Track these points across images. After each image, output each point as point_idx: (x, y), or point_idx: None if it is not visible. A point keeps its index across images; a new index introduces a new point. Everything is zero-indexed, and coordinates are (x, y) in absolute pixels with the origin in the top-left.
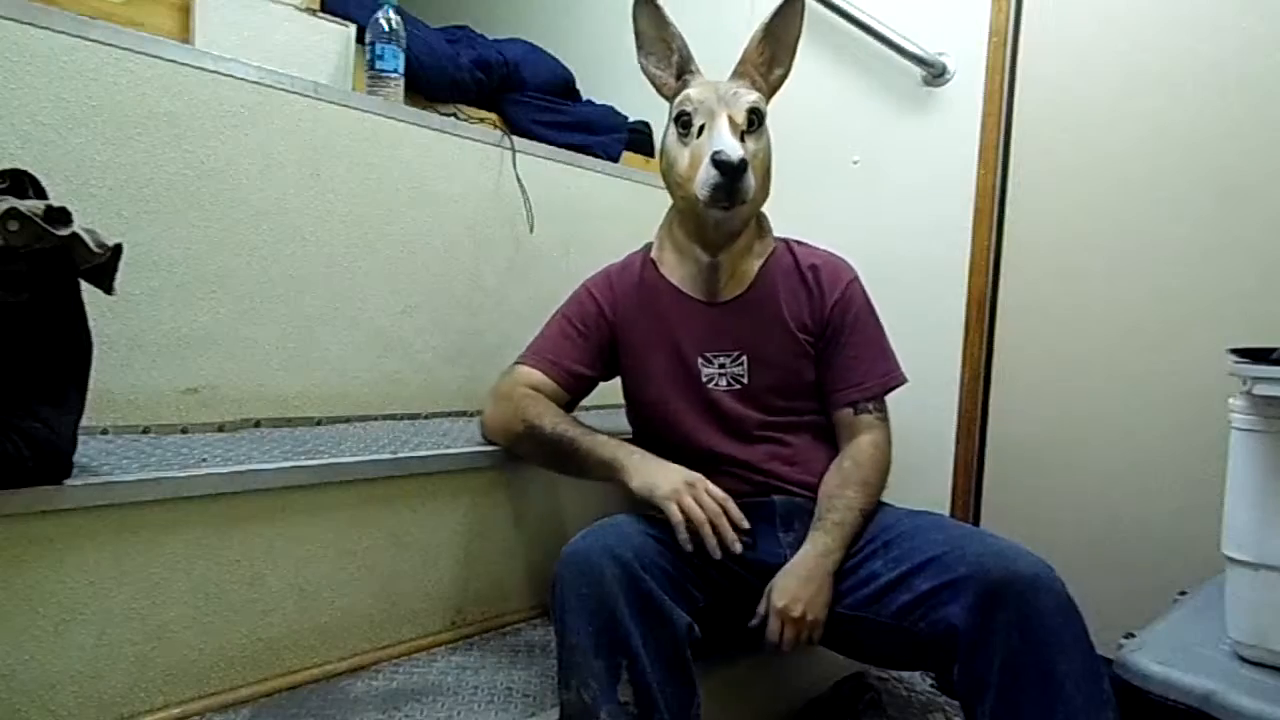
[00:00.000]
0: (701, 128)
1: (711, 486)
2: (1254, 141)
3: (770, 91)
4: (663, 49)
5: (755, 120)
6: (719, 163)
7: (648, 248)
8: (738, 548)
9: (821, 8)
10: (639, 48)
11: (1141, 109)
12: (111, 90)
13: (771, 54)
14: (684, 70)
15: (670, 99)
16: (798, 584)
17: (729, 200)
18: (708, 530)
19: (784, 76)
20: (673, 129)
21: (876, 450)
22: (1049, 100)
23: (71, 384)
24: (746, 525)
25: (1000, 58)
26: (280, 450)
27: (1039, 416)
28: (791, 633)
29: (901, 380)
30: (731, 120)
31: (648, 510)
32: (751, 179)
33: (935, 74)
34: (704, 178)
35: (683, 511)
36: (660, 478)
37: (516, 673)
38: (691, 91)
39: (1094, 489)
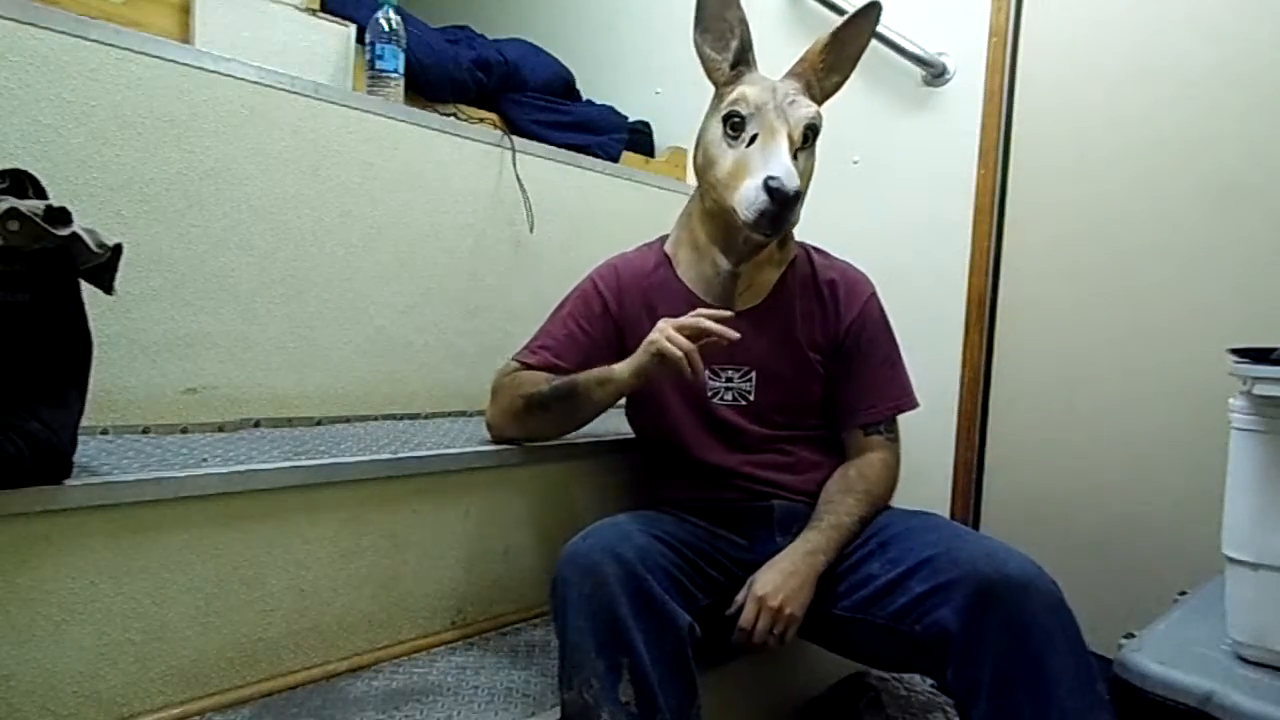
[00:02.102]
0: (754, 137)
1: (680, 320)
2: (1254, 141)
3: (824, 96)
4: (723, 29)
5: (810, 136)
6: (773, 190)
7: (663, 240)
8: (733, 334)
9: (821, 7)
10: (697, 22)
11: (1141, 109)
12: (111, 90)
13: (833, 61)
14: (740, 59)
15: (719, 85)
16: (780, 577)
17: (774, 230)
18: (698, 361)
19: (839, 85)
20: (719, 125)
21: (884, 467)
22: (1049, 100)
23: (71, 384)
24: (729, 313)
25: (1000, 58)
26: (280, 450)
27: (1039, 416)
28: (766, 622)
29: (913, 405)
30: (790, 139)
31: (648, 510)
32: (800, 209)
33: (935, 74)
34: (751, 198)
35: (675, 349)
36: (639, 351)
37: (517, 673)
38: (749, 91)
39: (1094, 489)
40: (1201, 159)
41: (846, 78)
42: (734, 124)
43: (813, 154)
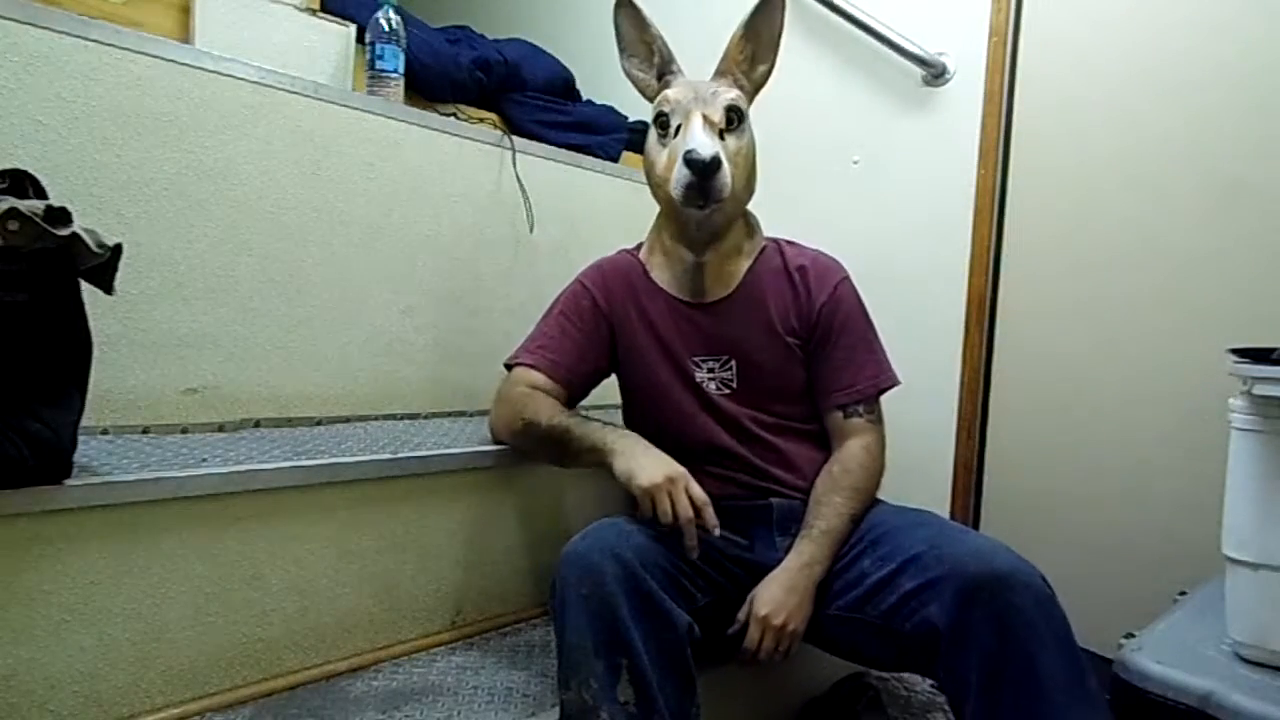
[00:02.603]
0: (679, 128)
1: (693, 486)
2: (1254, 141)
3: (754, 89)
4: (644, 51)
5: (735, 118)
6: (690, 161)
7: (638, 247)
8: (693, 555)
9: (821, 8)
10: (621, 50)
11: (1141, 109)
12: (111, 90)
13: (753, 51)
14: (665, 71)
15: (652, 100)
16: (781, 594)
17: (703, 199)
18: (669, 522)
19: (768, 73)
20: (653, 130)
21: (867, 454)
22: (1049, 100)
23: (71, 384)
24: (716, 530)
25: (1000, 57)
26: (280, 450)
27: (1039, 416)
28: (770, 641)
29: (893, 382)
30: (707, 119)
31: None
32: (726, 177)
33: (935, 74)
34: (677, 176)
35: (655, 508)
36: (641, 466)
37: (516, 673)
38: (670, 92)
39: (1094, 489)
40: (1202, 159)
41: (773, 66)
42: (662, 123)
43: (743, 135)
